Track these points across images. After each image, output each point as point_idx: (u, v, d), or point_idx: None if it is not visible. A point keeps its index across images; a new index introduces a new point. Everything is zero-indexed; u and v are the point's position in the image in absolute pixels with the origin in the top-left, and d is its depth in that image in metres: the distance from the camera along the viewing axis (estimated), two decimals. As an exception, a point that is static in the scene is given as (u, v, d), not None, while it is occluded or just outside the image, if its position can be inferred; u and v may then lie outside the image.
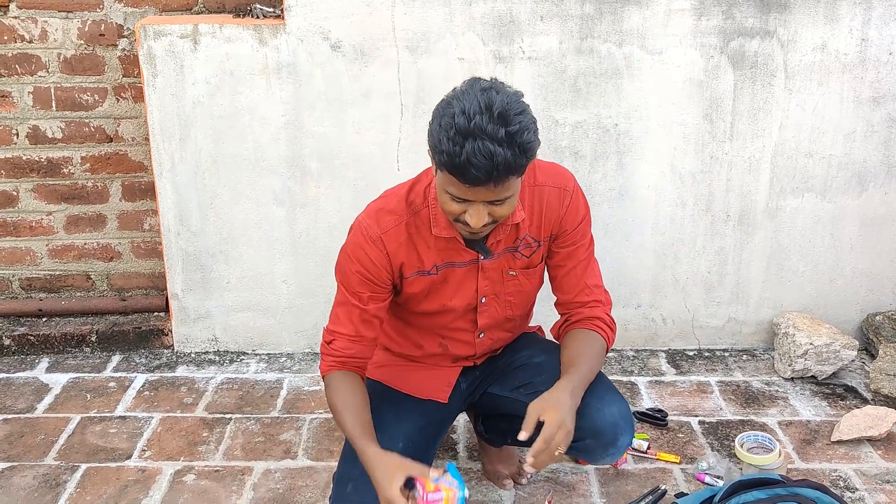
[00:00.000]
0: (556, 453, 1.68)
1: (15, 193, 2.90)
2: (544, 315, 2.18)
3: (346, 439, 1.94)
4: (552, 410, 1.69)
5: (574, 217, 1.89)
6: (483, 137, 1.49)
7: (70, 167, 2.88)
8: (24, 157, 2.86)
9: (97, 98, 2.82)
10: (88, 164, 2.88)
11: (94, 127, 2.85)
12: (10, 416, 2.51)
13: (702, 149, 2.67)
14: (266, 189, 2.69)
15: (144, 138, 2.83)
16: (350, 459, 1.87)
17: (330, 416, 2.50)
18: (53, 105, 2.81)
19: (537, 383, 1.92)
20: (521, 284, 1.93)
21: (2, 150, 2.85)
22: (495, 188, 1.56)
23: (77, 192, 2.91)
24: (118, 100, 2.82)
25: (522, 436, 1.69)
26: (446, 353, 1.99)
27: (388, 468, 1.65)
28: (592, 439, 1.85)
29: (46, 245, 2.97)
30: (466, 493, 1.65)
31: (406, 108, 2.61)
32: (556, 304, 2.00)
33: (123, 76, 2.80)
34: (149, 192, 2.91)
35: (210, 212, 2.72)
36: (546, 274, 1.99)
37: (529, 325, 2.17)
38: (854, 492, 2.17)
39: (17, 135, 2.84)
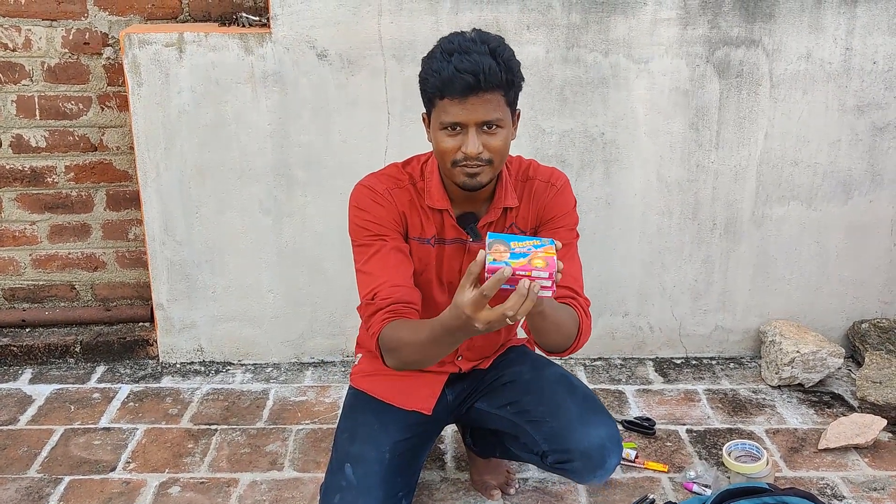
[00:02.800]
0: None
1: (-2, 203, 2.88)
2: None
3: (337, 448, 1.92)
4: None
5: (557, 205, 1.88)
6: (468, 51, 1.62)
7: (54, 176, 2.86)
8: (8, 166, 2.84)
9: (81, 107, 2.80)
10: (73, 173, 2.86)
11: (78, 136, 2.82)
12: (-8, 429, 2.49)
13: (688, 157, 2.68)
14: (252, 198, 2.68)
15: (129, 147, 2.82)
16: (337, 471, 1.86)
17: (316, 426, 2.48)
18: (37, 114, 2.79)
19: (525, 402, 1.92)
20: None
21: (-15, 159, 2.83)
22: (482, 97, 1.62)
23: (61, 202, 2.89)
24: (103, 108, 2.80)
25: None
26: None
27: (464, 298, 1.45)
28: (580, 462, 1.84)
29: (30, 255, 2.95)
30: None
31: (393, 117, 2.60)
32: None
33: (108, 85, 2.78)
34: (134, 201, 2.89)
35: (195, 221, 2.70)
36: None
37: (517, 337, 2.16)
38: (841, 500, 2.17)
39: (1, 143, 2.81)
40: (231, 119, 2.60)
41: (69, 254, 2.95)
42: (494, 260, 1.41)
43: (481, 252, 1.44)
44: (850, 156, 2.70)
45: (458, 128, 1.66)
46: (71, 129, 2.82)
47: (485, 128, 1.66)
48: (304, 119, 2.60)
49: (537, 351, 2.05)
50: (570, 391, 1.92)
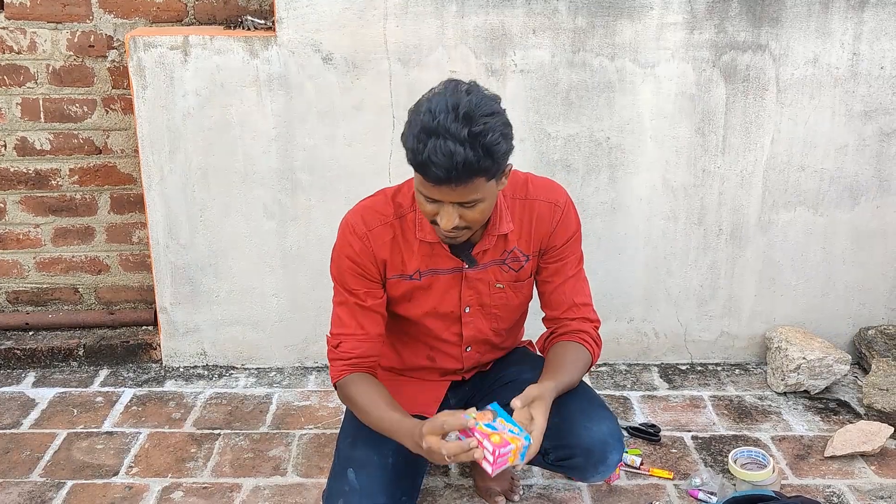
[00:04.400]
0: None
1: (2, 205, 2.87)
2: (536, 329, 2.16)
3: (338, 453, 1.92)
4: (541, 415, 1.68)
5: (564, 232, 1.88)
6: (445, 136, 1.50)
7: (58, 179, 2.86)
8: (12, 169, 2.84)
9: (86, 110, 2.79)
10: (77, 176, 2.86)
11: (82, 139, 2.82)
12: (-6, 432, 2.48)
13: (694, 162, 2.67)
14: (256, 202, 2.67)
15: (133, 150, 2.81)
16: (340, 476, 1.85)
17: (320, 431, 2.47)
18: (42, 116, 2.79)
19: None
20: (507, 297, 1.91)
21: (-11, 162, 2.83)
22: (457, 188, 1.56)
23: (65, 205, 2.89)
24: (107, 111, 2.80)
25: (517, 403, 1.67)
26: (434, 365, 1.97)
27: (433, 422, 1.62)
28: (582, 458, 1.84)
29: (34, 258, 2.94)
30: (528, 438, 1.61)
31: (398, 121, 2.59)
32: (544, 320, 2.00)
33: (113, 88, 2.78)
34: (138, 204, 2.88)
35: (199, 225, 2.70)
36: (535, 289, 1.98)
37: (521, 339, 2.15)
38: (848, 508, 2.16)
39: (5, 146, 2.81)
40: (236, 122, 2.59)
41: (73, 257, 2.95)
42: (477, 422, 1.59)
43: (470, 410, 1.61)
44: (857, 161, 2.69)
45: (435, 202, 1.62)
46: (75, 132, 2.81)
47: (462, 205, 1.62)
48: (308, 123, 2.59)
49: (538, 352, 2.06)
50: (572, 388, 1.91)
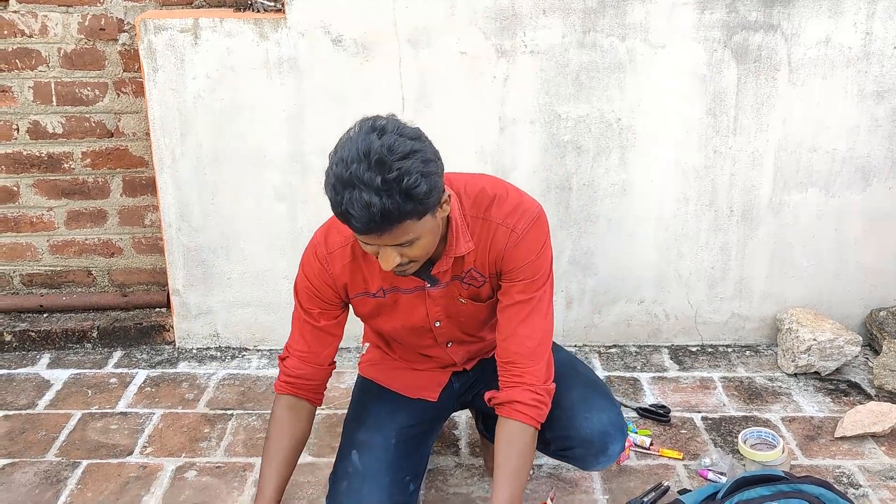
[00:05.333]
0: None
1: (15, 189, 2.89)
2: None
3: (344, 436, 1.94)
4: None
5: (515, 256, 1.71)
6: (359, 186, 1.41)
7: (71, 162, 2.87)
8: (25, 153, 2.85)
9: (97, 93, 2.81)
10: (89, 160, 2.87)
11: (94, 122, 2.84)
12: (10, 413, 2.51)
13: (705, 143, 2.66)
14: (267, 184, 2.68)
15: (145, 133, 2.82)
16: (344, 458, 1.87)
17: (332, 412, 2.49)
18: (54, 100, 2.80)
19: None
20: (472, 312, 1.84)
21: (2, 146, 2.84)
22: (382, 235, 1.47)
23: (78, 188, 2.90)
24: (119, 94, 2.81)
25: None
26: (428, 358, 1.97)
27: None
28: (582, 448, 1.84)
29: (47, 241, 2.97)
30: None
31: (408, 103, 2.59)
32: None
33: (124, 71, 2.79)
34: (150, 187, 2.90)
35: (211, 207, 2.71)
36: None
37: None
38: (858, 488, 2.16)
39: (18, 130, 2.83)
40: (246, 105, 2.60)
41: (86, 240, 2.97)
42: None
43: None
44: (870, 142, 2.67)
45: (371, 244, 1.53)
46: (87, 116, 2.83)
47: (399, 245, 1.52)
48: (318, 105, 2.60)
49: None
50: (572, 377, 1.91)
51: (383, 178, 1.40)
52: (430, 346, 1.92)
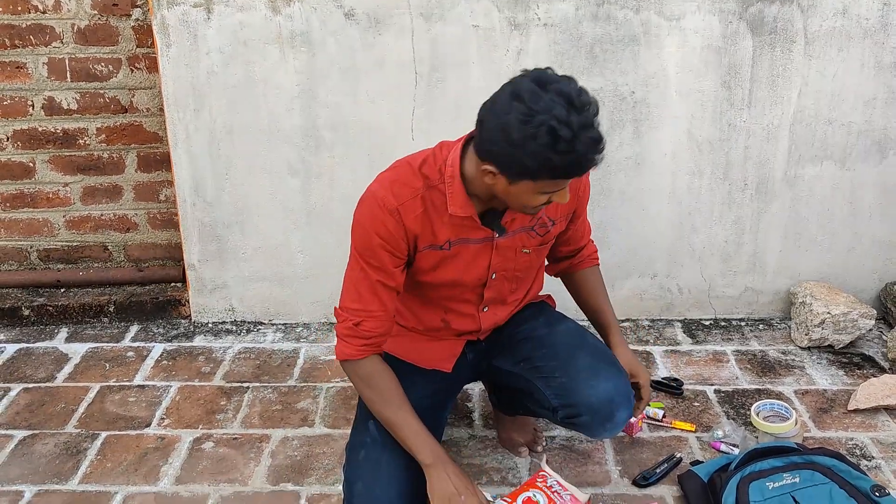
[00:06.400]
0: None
1: (31, 165, 2.92)
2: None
3: (361, 407, 1.95)
4: (641, 374, 1.98)
5: (586, 193, 1.98)
6: (586, 131, 1.52)
7: (85, 138, 2.89)
8: (40, 129, 2.87)
9: (111, 69, 2.81)
10: (104, 135, 2.89)
11: (108, 98, 2.85)
12: (30, 386, 2.55)
13: (720, 116, 2.65)
14: (280, 159, 2.69)
15: (159, 109, 2.83)
16: (362, 428, 1.89)
17: (347, 384, 2.51)
18: (68, 76, 2.81)
19: (536, 358, 1.94)
20: (531, 260, 1.94)
21: (18, 122, 2.86)
22: None
23: (93, 164, 2.92)
24: (132, 70, 2.82)
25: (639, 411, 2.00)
26: (448, 328, 1.99)
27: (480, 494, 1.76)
28: (588, 416, 1.85)
29: (63, 216, 2.99)
30: None
31: (420, 77, 2.59)
32: (555, 256, 2.10)
33: (137, 46, 2.79)
34: (164, 162, 2.91)
35: (225, 182, 2.72)
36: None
37: (539, 294, 2.16)
38: (870, 460, 2.16)
39: (33, 106, 2.84)
40: (259, 80, 2.60)
41: (102, 215, 2.99)
42: None
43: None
44: (886, 114, 2.65)
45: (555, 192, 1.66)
46: (101, 91, 2.84)
47: None
48: (331, 79, 2.60)
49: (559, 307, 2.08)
50: (580, 346, 1.94)
51: (590, 111, 1.55)
52: (467, 307, 1.94)
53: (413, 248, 1.81)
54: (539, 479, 1.85)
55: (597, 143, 1.55)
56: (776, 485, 1.90)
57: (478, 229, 1.80)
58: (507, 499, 1.79)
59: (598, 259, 2.15)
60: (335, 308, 1.86)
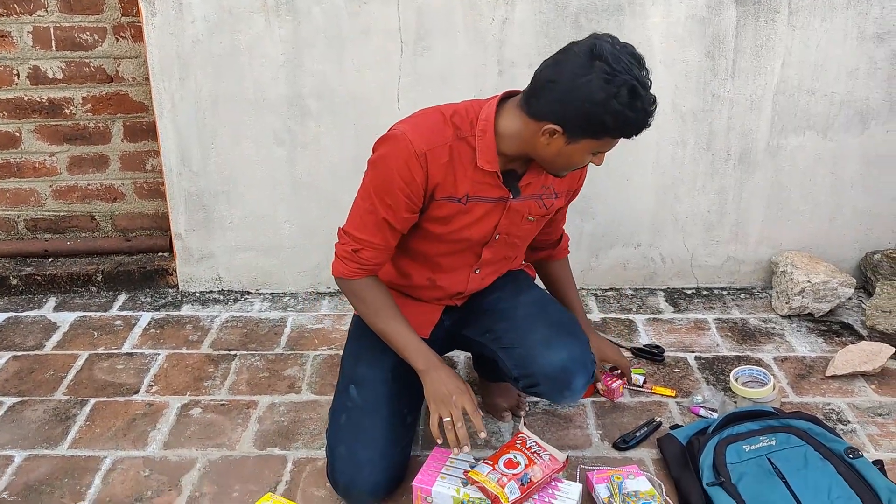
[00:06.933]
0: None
1: (17, 134, 2.91)
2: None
3: (342, 373, 1.98)
4: (611, 357, 2.19)
5: (583, 180, 2.04)
6: (648, 89, 1.63)
7: (71, 108, 2.89)
8: (26, 98, 2.87)
9: (97, 38, 2.80)
10: (90, 105, 2.88)
11: (94, 67, 2.84)
12: (19, 353, 2.56)
13: (703, 87, 2.66)
14: (266, 129, 2.70)
15: (145, 78, 2.83)
16: (343, 392, 1.92)
17: (333, 352, 2.54)
18: (53, 45, 2.80)
19: (499, 329, 1.96)
20: (531, 230, 1.98)
21: (3, 91, 2.85)
22: None
23: (79, 133, 2.92)
24: (118, 39, 2.81)
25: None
26: (433, 286, 2.00)
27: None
28: (545, 385, 1.88)
29: (50, 186, 2.99)
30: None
31: (406, 46, 2.59)
32: (535, 245, 2.15)
33: (122, 15, 2.78)
34: (150, 132, 2.91)
35: (211, 152, 2.73)
36: None
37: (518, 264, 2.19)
38: (846, 424, 2.21)
39: (18, 75, 2.83)
40: (244, 49, 2.60)
41: (88, 185, 3.00)
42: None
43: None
44: (868, 85, 2.67)
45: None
46: (87, 61, 2.83)
47: None
48: (316, 48, 2.60)
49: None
50: (540, 316, 1.96)
51: (646, 72, 1.65)
52: (461, 266, 1.96)
53: (430, 196, 1.80)
54: (518, 441, 1.89)
55: (655, 104, 1.66)
56: (752, 447, 1.94)
57: (496, 187, 1.81)
58: (489, 461, 1.83)
59: (569, 250, 2.26)
60: (339, 228, 1.88)
